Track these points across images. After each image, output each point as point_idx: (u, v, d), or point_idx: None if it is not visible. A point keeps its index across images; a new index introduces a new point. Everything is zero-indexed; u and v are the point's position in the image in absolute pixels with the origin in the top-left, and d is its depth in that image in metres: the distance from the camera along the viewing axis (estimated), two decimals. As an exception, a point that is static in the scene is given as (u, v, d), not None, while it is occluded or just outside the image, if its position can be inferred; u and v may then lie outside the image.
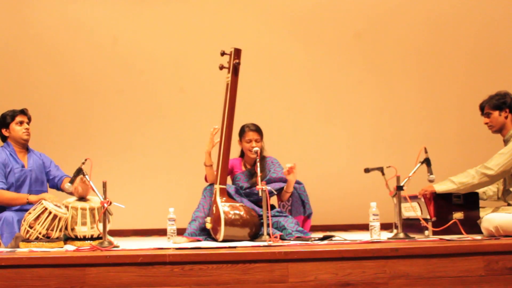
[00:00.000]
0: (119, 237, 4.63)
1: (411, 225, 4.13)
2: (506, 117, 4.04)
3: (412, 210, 4.12)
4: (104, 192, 3.60)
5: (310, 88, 6.16)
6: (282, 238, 3.83)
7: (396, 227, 3.94)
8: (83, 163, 3.76)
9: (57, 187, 4.41)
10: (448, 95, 6.12)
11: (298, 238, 3.85)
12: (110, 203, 3.59)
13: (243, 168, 4.48)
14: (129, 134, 6.03)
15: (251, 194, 4.29)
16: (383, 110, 6.17)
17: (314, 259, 3.15)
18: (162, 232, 4.91)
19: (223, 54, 4.18)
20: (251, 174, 4.40)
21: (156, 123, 6.07)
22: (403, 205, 4.12)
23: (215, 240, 3.97)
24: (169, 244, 3.85)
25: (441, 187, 3.97)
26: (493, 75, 5.98)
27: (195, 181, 4.61)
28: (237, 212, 3.96)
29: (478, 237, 3.73)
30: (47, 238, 3.68)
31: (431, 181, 3.94)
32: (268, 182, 4.24)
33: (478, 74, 6.07)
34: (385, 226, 4.16)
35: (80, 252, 3.33)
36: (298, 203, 4.34)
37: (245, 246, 3.53)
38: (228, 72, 4.17)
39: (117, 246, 3.55)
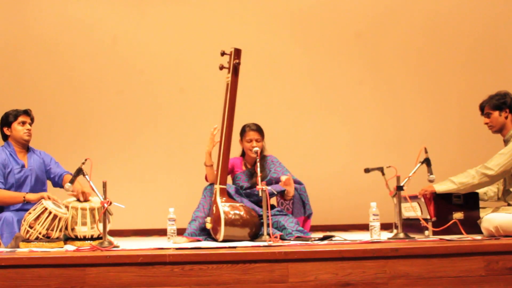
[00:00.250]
0: (119, 237, 4.63)
1: (411, 225, 4.13)
2: (506, 117, 4.03)
3: (412, 210, 4.12)
4: (104, 192, 3.60)
5: (310, 88, 6.15)
6: (282, 238, 3.83)
7: (396, 227, 3.94)
8: (83, 163, 3.75)
9: (60, 185, 4.38)
10: (448, 95, 6.12)
11: (298, 238, 3.85)
12: (110, 203, 3.58)
13: (244, 168, 4.48)
14: (129, 134, 6.02)
15: (251, 195, 4.29)
16: (383, 110, 6.16)
17: (314, 259, 3.15)
18: (162, 232, 4.91)
19: (223, 54, 4.18)
20: (252, 174, 4.40)
21: (156, 123, 6.07)
22: (403, 205, 4.12)
23: (215, 240, 3.97)
24: (169, 244, 3.85)
25: (441, 187, 3.96)
26: (493, 75, 5.98)
27: (195, 181, 4.61)
28: (237, 212, 3.95)
29: (478, 237, 3.73)
30: (47, 238, 3.68)
31: (431, 181, 3.94)
32: (269, 182, 4.24)
33: (478, 74, 6.07)
34: (385, 226, 4.16)
35: (80, 252, 3.32)
36: (299, 204, 4.34)
37: (245, 246, 3.53)
38: (228, 72, 4.17)
39: (117, 246, 3.55)
